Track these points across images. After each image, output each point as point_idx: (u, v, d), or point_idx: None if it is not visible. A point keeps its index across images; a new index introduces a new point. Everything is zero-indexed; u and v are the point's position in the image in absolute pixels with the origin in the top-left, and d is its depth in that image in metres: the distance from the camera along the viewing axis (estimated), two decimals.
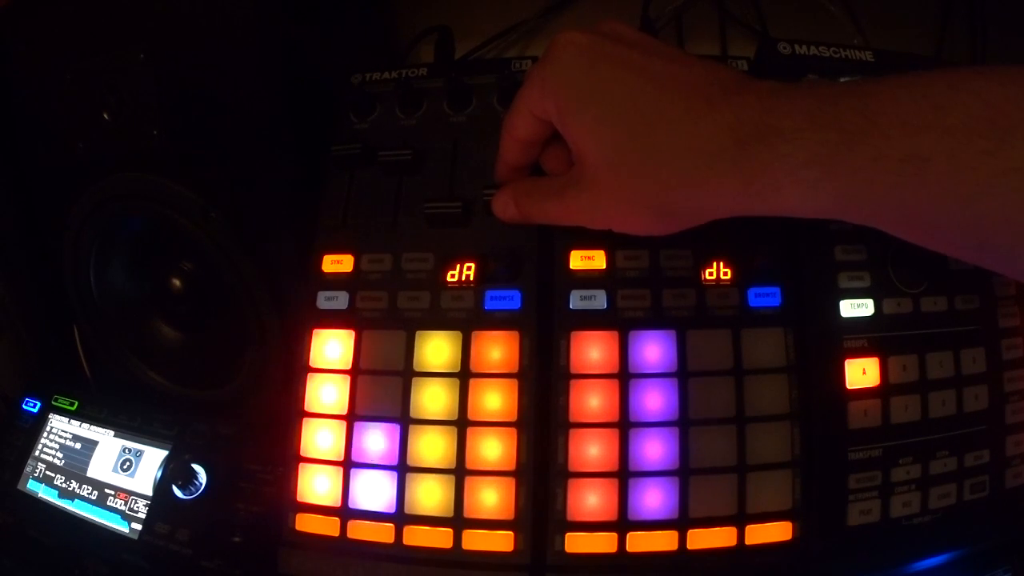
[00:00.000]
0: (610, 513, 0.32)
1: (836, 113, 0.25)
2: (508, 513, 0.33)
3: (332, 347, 0.36)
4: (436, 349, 0.35)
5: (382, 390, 0.35)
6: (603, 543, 0.32)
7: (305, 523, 0.35)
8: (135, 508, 0.43)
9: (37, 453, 0.48)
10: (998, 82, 0.23)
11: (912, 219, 0.26)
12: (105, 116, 0.43)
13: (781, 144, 0.25)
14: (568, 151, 0.32)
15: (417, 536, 0.33)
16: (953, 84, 0.23)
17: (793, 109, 0.25)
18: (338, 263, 0.37)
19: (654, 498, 0.32)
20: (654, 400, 0.33)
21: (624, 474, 0.32)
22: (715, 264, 0.35)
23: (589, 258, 0.35)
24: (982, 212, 0.23)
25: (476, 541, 0.33)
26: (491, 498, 0.33)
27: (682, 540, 0.32)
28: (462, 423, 0.34)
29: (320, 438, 0.35)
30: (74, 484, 0.46)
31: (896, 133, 0.24)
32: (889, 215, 0.26)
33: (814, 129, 0.25)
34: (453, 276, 0.36)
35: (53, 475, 0.47)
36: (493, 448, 0.33)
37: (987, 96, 0.23)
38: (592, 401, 0.33)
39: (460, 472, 0.33)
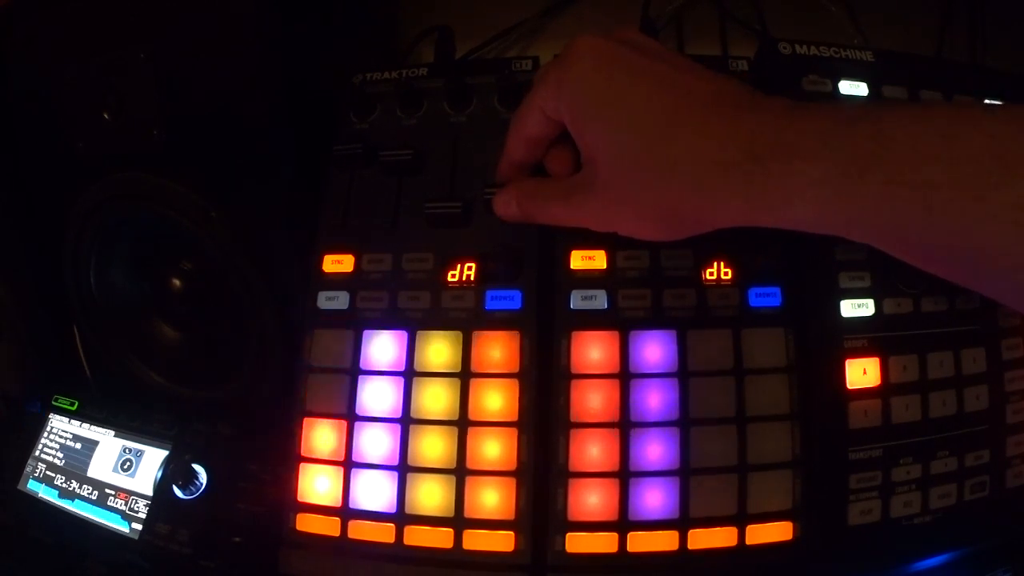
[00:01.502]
0: (611, 513, 0.32)
1: (850, 136, 0.25)
2: (509, 513, 0.33)
3: (333, 347, 0.36)
4: (436, 349, 0.35)
5: (382, 390, 0.35)
6: (604, 543, 0.32)
7: (306, 523, 0.35)
8: (135, 508, 0.43)
9: (37, 453, 0.48)
10: (1005, 120, 0.24)
11: (915, 243, 0.26)
12: (105, 116, 0.43)
13: (795, 162, 0.26)
14: (573, 153, 0.33)
15: (418, 536, 0.33)
16: (963, 118, 0.24)
17: (808, 129, 0.26)
18: (338, 263, 0.37)
19: (655, 498, 0.32)
20: (655, 400, 0.33)
21: (625, 474, 0.32)
22: (715, 264, 0.35)
23: (590, 258, 0.35)
24: (983, 241, 0.24)
25: (477, 541, 0.33)
26: (492, 498, 0.33)
27: (683, 540, 0.32)
28: (463, 423, 0.34)
29: (320, 438, 0.35)
30: (74, 484, 0.46)
31: (906, 160, 0.24)
32: (893, 238, 0.27)
33: (828, 150, 0.25)
34: (454, 276, 0.36)
35: (53, 475, 0.47)
36: (494, 448, 0.33)
37: (994, 132, 0.24)
38: (593, 401, 0.33)
39: (461, 472, 0.33)
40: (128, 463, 0.45)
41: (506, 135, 0.35)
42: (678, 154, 0.28)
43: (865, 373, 0.33)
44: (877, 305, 0.34)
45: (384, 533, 0.33)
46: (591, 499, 0.32)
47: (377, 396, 0.35)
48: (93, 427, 0.47)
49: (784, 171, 0.26)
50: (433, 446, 0.34)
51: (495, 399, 0.34)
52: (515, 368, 0.34)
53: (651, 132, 0.28)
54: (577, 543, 0.32)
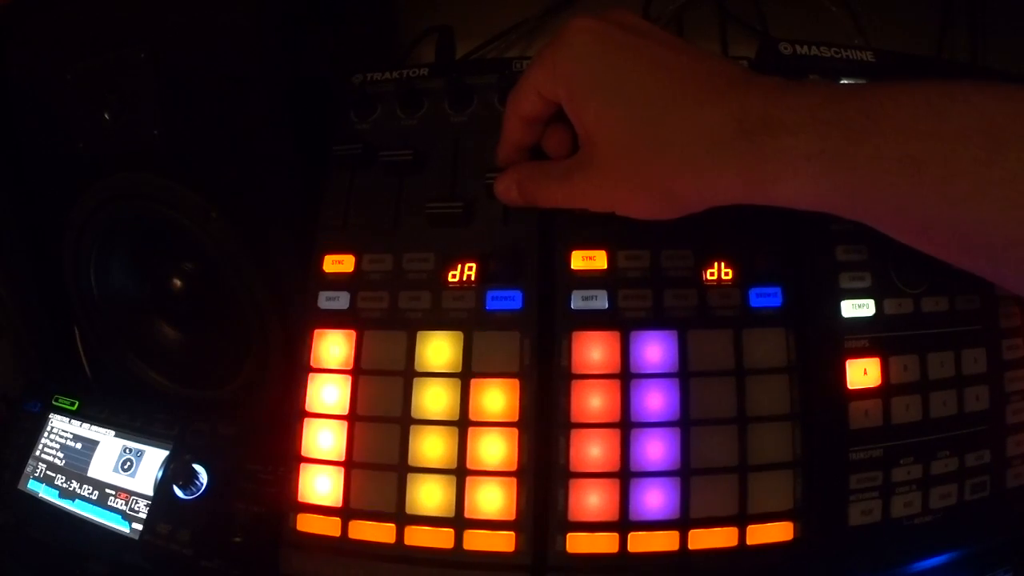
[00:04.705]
0: (611, 513, 0.32)
1: (840, 111, 0.26)
2: (509, 513, 0.33)
3: (333, 347, 0.36)
4: (437, 349, 0.35)
5: (383, 390, 0.35)
6: (604, 543, 0.32)
7: (306, 523, 0.35)
8: (136, 508, 0.43)
9: (38, 453, 0.48)
10: (995, 97, 0.24)
11: (904, 218, 0.27)
12: (105, 116, 0.43)
13: (785, 137, 0.26)
14: (570, 133, 0.33)
15: (418, 536, 0.33)
16: (953, 94, 0.25)
17: (799, 105, 0.26)
18: (339, 263, 0.37)
19: (655, 498, 0.32)
20: (655, 400, 0.33)
21: (625, 474, 0.32)
22: (716, 264, 0.35)
23: (590, 258, 0.35)
24: (971, 216, 0.24)
25: (477, 541, 0.33)
26: (492, 498, 0.33)
27: (683, 540, 0.32)
28: (463, 423, 0.34)
29: (321, 438, 0.35)
30: (75, 484, 0.46)
31: (896, 135, 0.25)
32: (883, 212, 0.27)
33: (818, 125, 0.26)
34: (454, 276, 0.36)
35: (54, 475, 0.47)
36: (494, 448, 0.33)
37: (984, 109, 0.24)
38: (593, 401, 0.33)
39: (461, 472, 0.33)
40: (128, 463, 0.45)
41: (503, 117, 0.35)
42: (672, 132, 0.28)
43: (865, 373, 0.33)
44: (877, 305, 0.34)
45: (384, 533, 0.33)
46: (592, 499, 0.32)
47: (377, 396, 0.35)
48: (93, 427, 0.47)
49: (774, 146, 0.26)
50: (433, 446, 0.34)
51: (495, 399, 0.34)
52: (516, 368, 0.34)
53: (646, 111, 0.29)
54: (577, 543, 0.32)
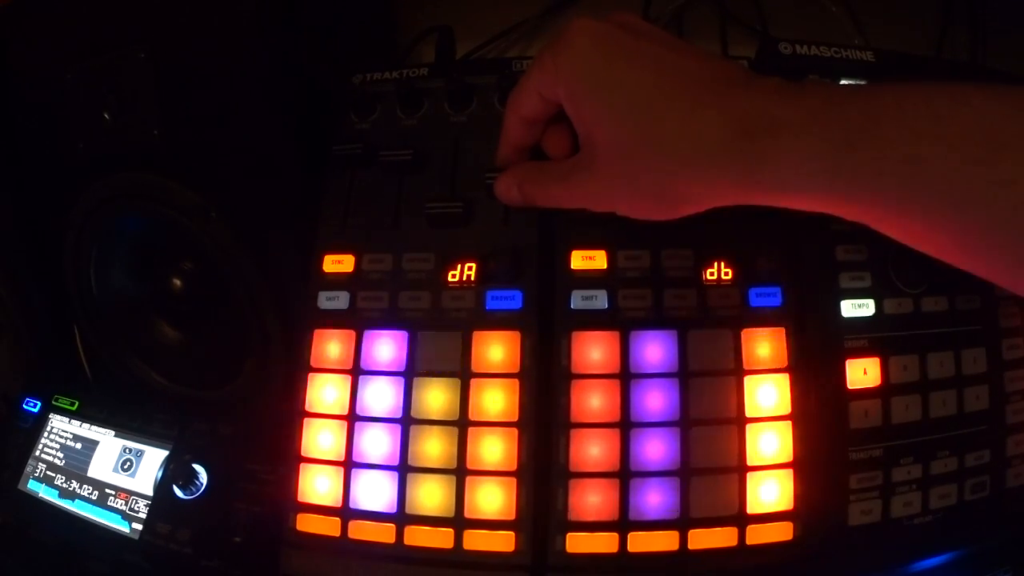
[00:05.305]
0: (611, 513, 0.32)
1: (841, 112, 0.26)
2: (509, 513, 0.33)
3: (333, 347, 0.36)
4: (437, 349, 0.35)
5: (383, 390, 0.35)
6: (604, 543, 0.32)
7: (306, 523, 0.35)
8: (135, 508, 0.43)
9: (37, 453, 0.48)
10: (996, 99, 0.24)
11: (905, 219, 0.27)
12: (105, 116, 0.43)
13: (786, 138, 0.26)
14: (570, 133, 0.33)
15: (418, 536, 0.33)
16: (955, 96, 0.25)
17: (800, 106, 0.26)
18: (339, 263, 0.37)
19: (655, 498, 0.32)
20: (655, 400, 0.33)
21: (625, 474, 0.32)
22: (716, 264, 0.35)
23: (590, 258, 0.35)
24: (972, 218, 0.25)
25: (477, 541, 0.33)
26: (492, 498, 0.33)
27: (683, 540, 0.32)
28: (463, 423, 0.34)
29: (321, 438, 0.35)
30: (75, 484, 0.46)
31: (897, 136, 0.25)
32: (884, 213, 0.27)
33: (819, 126, 0.26)
34: (454, 276, 0.36)
35: (54, 475, 0.47)
36: (494, 448, 0.33)
37: (985, 111, 0.24)
38: (593, 401, 0.33)
39: (461, 472, 0.33)
40: (128, 463, 0.45)
41: (503, 117, 0.35)
42: (672, 133, 0.28)
43: (865, 373, 0.33)
44: (877, 305, 0.34)
45: (384, 533, 0.33)
46: (591, 499, 0.32)
47: (377, 396, 0.35)
48: (93, 427, 0.47)
49: (774, 147, 0.26)
50: (433, 446, 0.34)
51: (495, 399, 0.34)
52: (515, 368, 0.34)
53: (646, 112, 0.29)
54: (577, 543, 0.32)
